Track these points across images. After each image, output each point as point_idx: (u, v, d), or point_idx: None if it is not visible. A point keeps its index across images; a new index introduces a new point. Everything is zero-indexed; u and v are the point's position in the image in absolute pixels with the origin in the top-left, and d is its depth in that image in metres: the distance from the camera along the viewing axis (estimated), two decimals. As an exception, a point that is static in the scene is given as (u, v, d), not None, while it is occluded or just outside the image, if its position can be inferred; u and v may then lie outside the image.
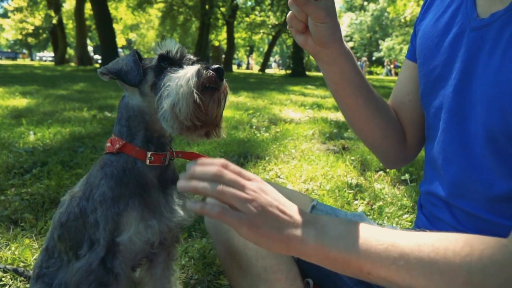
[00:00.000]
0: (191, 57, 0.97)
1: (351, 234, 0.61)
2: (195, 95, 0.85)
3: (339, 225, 0.63)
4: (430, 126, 0.88)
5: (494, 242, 0.55)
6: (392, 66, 29.41)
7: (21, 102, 5.65)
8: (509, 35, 0.67)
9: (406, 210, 2.15)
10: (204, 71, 0.87)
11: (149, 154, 0.97)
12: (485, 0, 0.76)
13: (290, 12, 0.78)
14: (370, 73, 36.12)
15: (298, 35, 0.81)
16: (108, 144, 1.00)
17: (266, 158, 3.07)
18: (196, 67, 0.89)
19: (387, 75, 28.88)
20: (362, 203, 2.25)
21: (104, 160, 0.99)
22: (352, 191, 2.41)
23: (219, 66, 0.89)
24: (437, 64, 0.83)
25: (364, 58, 30.44)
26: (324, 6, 0.72)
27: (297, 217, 0.63)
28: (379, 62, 36.44)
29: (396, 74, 26.60)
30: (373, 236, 0.60)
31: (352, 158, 3.10)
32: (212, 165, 0.63)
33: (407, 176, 2.64)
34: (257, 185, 0.63)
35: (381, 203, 2.24)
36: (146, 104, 0.96)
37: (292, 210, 0.64)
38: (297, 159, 3.09)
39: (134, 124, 0.99)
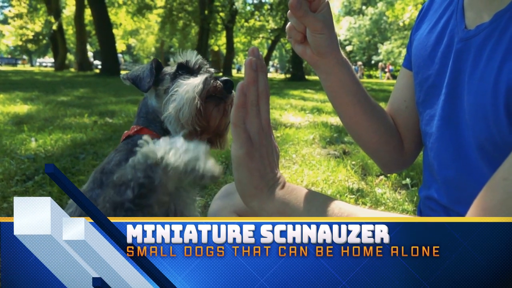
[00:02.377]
0: (210, 69, 1.01)
1: (317, 200, 0.59)
2: (197, 101, 0.88)
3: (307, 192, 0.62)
4: (425, 133, 0.90)
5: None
6: (386, 70, 29.71)
7: (22, 108, 5.67)
8: (491, 47, 0.70)
9: (408, 215, 2.16)
10: (212, 81, 0.91)
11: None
12: (473, 12, 0.79)
13: (289, 23, 0.80)
14: (370, 76, 36.19)
15: (297, 45, 0.83)
16: (126, 132, 1.04)
17: (267, 163, 3.08)
18: (204, 75, 0.92)
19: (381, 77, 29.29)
20: (364, 208, 2.27)
21: (119, 147, 1.01)
22: (353, 196, 2.42)
23: (229, 79, 0.93)
24: (431, 73, 0.86)
25: (360, 63, 30.52)
26: (321, 18, 0.74)
27: (281, 179, 0.63)
28: (378, 66, 36.57)
29: (394, 77, 26.71)
30: (338, 205, 0.58)
31: (353, 162, 3.11)
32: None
33: (408, 180, 2.65)
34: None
35: (382, 208, 2.25)
36: (160, 105, 1.00)
37: (278, 170, 0.64)
38: (298, 164, 3.10)
39: (150, 117, 1.04)
